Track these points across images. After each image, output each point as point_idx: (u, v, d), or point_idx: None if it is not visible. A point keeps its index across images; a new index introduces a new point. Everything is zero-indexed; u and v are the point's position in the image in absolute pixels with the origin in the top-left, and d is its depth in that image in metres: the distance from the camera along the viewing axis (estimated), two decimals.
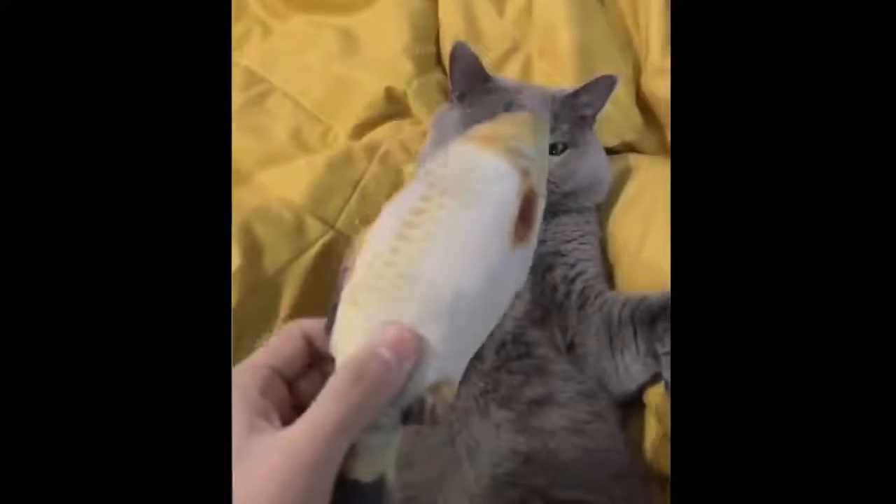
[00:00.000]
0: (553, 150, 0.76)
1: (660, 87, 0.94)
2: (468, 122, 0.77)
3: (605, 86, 0.79)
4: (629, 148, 0.95)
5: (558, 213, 0.76)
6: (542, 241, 0.74)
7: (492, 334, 0.64)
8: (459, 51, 0.79)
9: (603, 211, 0.83)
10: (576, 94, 0.79)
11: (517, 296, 0.67)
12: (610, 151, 0.90)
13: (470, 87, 0.80)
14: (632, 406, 0.71)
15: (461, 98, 0.81)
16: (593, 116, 0.82)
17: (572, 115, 0.79)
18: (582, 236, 0.76)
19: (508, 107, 0.76)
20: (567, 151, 0.77)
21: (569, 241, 0.75)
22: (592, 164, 0.80)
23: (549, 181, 0.72)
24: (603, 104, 0.81)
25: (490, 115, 0.76)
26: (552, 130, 0.76)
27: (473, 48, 0.90)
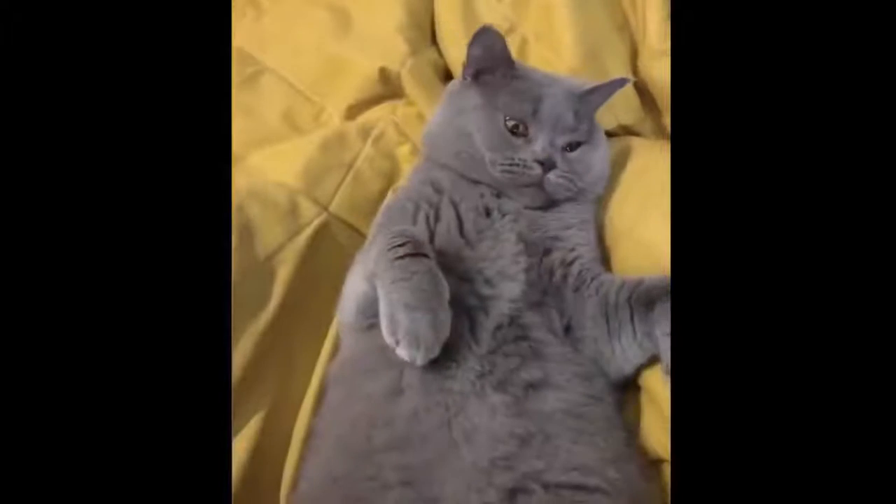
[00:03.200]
0: (569, 147, 0.77)
1: (658, 69, 0.94)
2: (495, 106, 0.76)
3: (617, 86, 0.81)
4: (626, 131, 0.94)
5: (561, 202, 0.76)
6: (540, 228, 0.74)
7: (488, 317, 0.65)
8: (487, 32, 0.77)
9: (601, 194, 0.83)
10: (592, 90, 0.79)
11: (512, 278, 0.68)
12: (607, 135, 0.90)
13: (491, 68, 0.78)
14: (628, 389, 0.71)
15: (476, 76, 0.80)
16: (595, 109, 0.82)
17: (588, 111, 0.79)
18: (581, 223, 0.77)
19: (537, 102, 0.75)
20: (580, 149, 0.77)
21: (568, 228, 0.75)
22: (602, 156, 0.81)
23: (568, 178, 0.73)
24: (607, 100, 0.83)
25: (518, 104, 0.75)
26: (574, 129, 0.76)
27: (468, 29, 0.89)
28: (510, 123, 0.75)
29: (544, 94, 0.76)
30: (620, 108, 0.92)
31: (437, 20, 1.06)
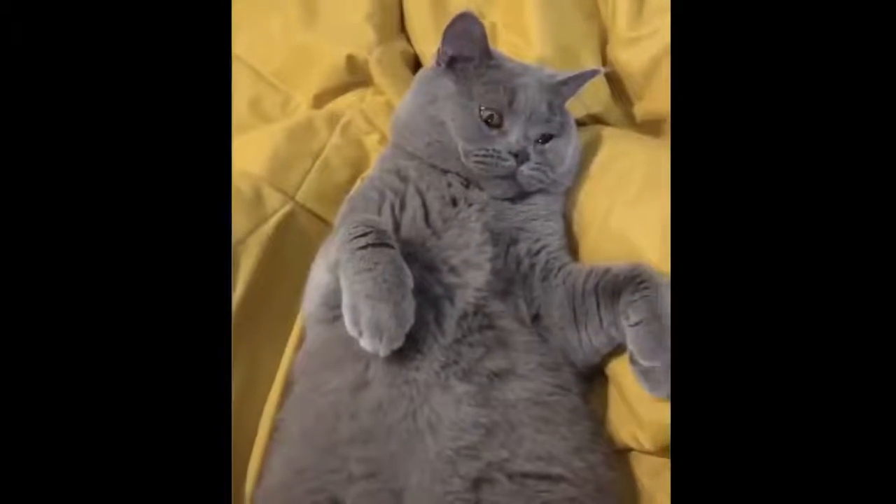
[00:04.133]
0: (542, 139, 0.76)
1: (627, 57, 0.93)
2: (466, 98, 0.75)
3: (588, 76, 0.82)
4: (595, 120, 0.94)
5: (531, 193, 0.75)
6: (507, 218, 0.73)
7: (453, 306, 0.65)
8: (467, 17, 0.75)
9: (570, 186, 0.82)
10: (564, 81, 0.79)
11: (478, 267, 0.68)
12: (576, 124, 0.89)
13: (467, 55, 0.76)
14: (595, 378, 0.71)
15: (451, 63, 0.78)
16: (566, 100, 0.81)
17: (560, 102, 0.78)
18: (548, 214, 0.76)
19: (512, 94, 0.74)
20: (552, 141, 0.77)
21: (535, 219, 0.75)
22: (574, 149, 0.80)
23: (541, 170, 0.73)
24: (578, 90, 0.82)
25: (493, 95, 0.74)
26: (547, 121, 0.75)
27: (437, 17, 0.88)
28: (485, 114, 0.74)
29: (519, 84, 0.75)
30: (589, 97, 0.91)
31: (405, 8, 1.05)
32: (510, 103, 0.74)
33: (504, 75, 0.76)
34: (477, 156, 0.72)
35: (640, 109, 0.95)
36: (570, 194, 0.81)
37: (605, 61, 0.96)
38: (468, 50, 0.76)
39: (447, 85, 0.77)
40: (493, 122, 0.74)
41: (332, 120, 0.92)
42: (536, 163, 0.73)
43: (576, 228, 0.80)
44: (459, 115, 0.75)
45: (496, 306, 0.67)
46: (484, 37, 0.76)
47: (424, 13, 1.01)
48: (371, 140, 0.92)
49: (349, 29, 1.01)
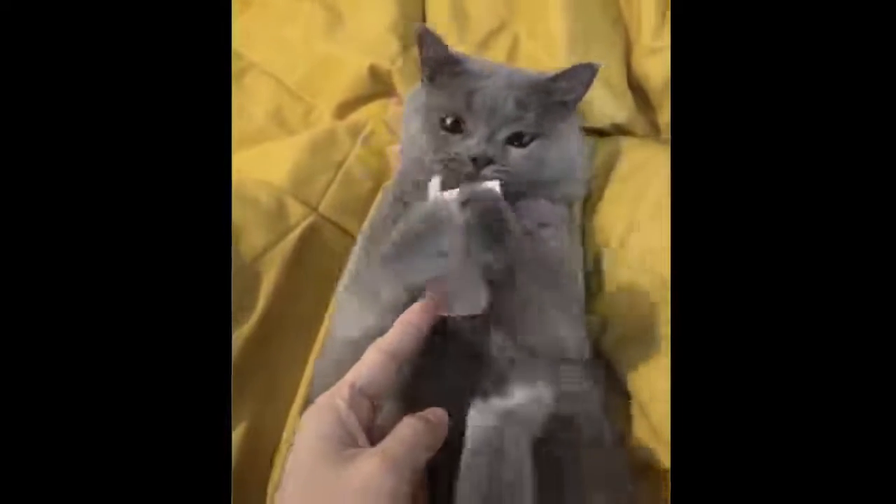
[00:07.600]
0: (517, 140, 0.71)
1: (652, 67, 0.92)
2: (432, 106, 0.73)
3: (585, 73, 0.73)
4: (619, 130, 0.93)
5: (529, 199, 0.72)
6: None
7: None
8: (423, 35, 0.73)
9: (589, 198, 0.81)
10: (554, 79, 0.73)
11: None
12: (600, 133, 0.89)
13: (438, 69, 0.75)
14: (618, 395, 0.70)
15: (431, 79, 0.76)
16: (574, 102, 0.76)
17: (546, 101, 0.73)
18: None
19: (470, 95, 0.70)
20: (534, 143, 0.72)
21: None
22: (563, 156, 0.74)
23: (510, 173, 0.68)
24: (584, 91, 0.75)
25: (452, 100, 0.71)
26: (516, 119, 0.70)
27: (458, 27, 0.87)
28: (448, 121, 0.71)
29: (479, 86, 0.71)
30: (613, 107, 0.90)
31: (427, 18, 1.04)
32: (468, 106, 0.70)
33: (465, 79, 0.72)
34: (438, 164, 0.70)
35: (663, 119, 0.94)
36: (591, 207, 0.80)
37: (629, 70, 0.95)
38: (437, 63, 0.74)
39: (419, 100, 0.76)
40: (457, 129, 0.71)
41: (355, 130, 0.92)
42: (501, 166, 0.69)
43: (597, 241, 0.79)
44: (426, 127, 0.73)
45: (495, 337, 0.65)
46: (442, 46, 0.73)
47: (446, 22, 1.01)
48: (394, 150, 0.92)
49: (372, 39, 1.00)
